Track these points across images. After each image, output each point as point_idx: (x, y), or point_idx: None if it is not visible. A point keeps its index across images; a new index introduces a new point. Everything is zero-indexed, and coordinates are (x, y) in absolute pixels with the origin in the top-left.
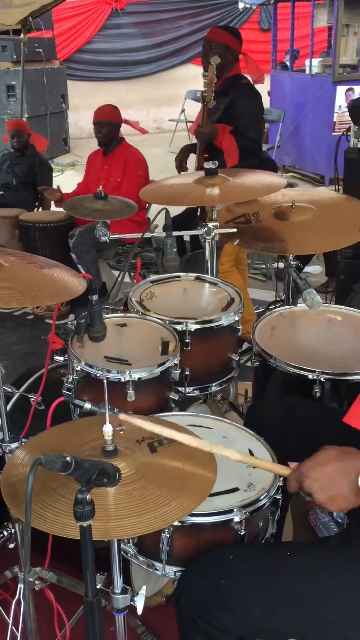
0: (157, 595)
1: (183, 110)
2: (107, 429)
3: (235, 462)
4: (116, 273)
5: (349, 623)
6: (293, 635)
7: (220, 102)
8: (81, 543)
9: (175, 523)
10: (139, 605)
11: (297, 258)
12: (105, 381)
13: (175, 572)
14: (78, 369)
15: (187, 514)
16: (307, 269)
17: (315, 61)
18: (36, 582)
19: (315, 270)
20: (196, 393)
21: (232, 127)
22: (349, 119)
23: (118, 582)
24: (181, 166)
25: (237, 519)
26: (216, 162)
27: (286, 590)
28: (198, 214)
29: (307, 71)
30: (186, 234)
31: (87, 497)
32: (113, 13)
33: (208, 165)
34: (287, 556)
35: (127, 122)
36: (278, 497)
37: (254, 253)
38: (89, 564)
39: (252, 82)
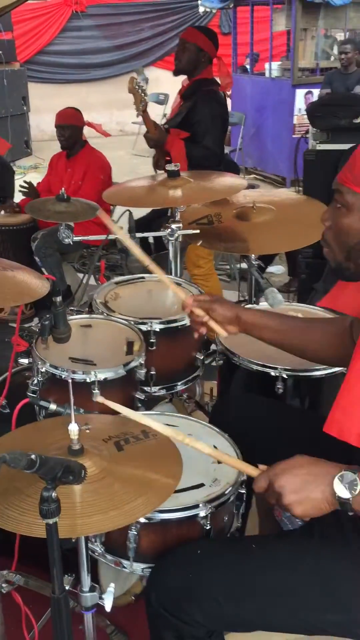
0: (126, 595)
1: None
2: (73, 428)
3: (207, 456)
4: (81, 275)
5: (315, 612)
6: (262, 627)
7: (184, 105)
8: (47, 541)
9: (142, 520)
10: (108, 602)
11: (260, 258)
12: (70, 381)
13: (142, 568)
14: (43, 370)
15: (153, 510)
16: (270, 269)
17: (275, 65)
18: (3, 584)
19: (278, 270)
20: (162, 392)
21: (189, 133)
22: (308, 121)
23: (86, 580)
24: (157, 164)
25: (202, 513)
26: (178, 164)
27: (253, 582)
28: (168, 214)
29: (267, 74)
30: (150, 236)
31: (53, 494)
32: (74, 15)
33: (170, 167)
34: (253, 549)
35: (89, 124)
36: (242, 491)
37: (218, 254)
38: (55, 561)
39: (220, 88)
